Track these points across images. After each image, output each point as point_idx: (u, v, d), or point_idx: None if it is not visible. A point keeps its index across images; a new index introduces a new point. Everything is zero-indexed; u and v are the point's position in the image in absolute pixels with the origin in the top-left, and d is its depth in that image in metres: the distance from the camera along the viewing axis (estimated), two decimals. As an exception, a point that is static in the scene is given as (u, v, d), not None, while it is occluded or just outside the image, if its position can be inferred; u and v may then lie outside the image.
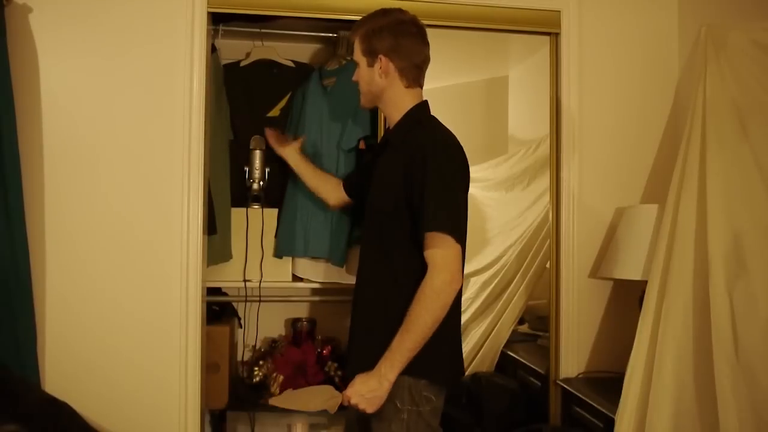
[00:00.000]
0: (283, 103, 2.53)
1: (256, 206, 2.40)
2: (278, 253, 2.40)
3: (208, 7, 2.07)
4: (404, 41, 1.66)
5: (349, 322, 1.74)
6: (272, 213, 2.42)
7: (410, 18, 1.69)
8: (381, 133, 2.19)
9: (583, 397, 2.00)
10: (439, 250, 1.50)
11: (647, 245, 1.99)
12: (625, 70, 2.30)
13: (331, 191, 2.11)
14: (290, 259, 2.42)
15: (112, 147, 2.02)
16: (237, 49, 2.56)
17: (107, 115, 2.02)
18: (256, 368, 2.39)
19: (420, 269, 1.52)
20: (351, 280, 2.36)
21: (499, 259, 2.44)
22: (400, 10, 1.71)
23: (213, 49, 2.27)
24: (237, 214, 2.39)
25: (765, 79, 1.82)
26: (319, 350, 2.45)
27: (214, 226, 2.22)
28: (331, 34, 2.47)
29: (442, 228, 1.50)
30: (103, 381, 2.00)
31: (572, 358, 2.21)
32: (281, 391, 2.31)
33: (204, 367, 2.08)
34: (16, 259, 1.88)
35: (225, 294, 2.52)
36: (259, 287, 2.36)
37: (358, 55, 1.70)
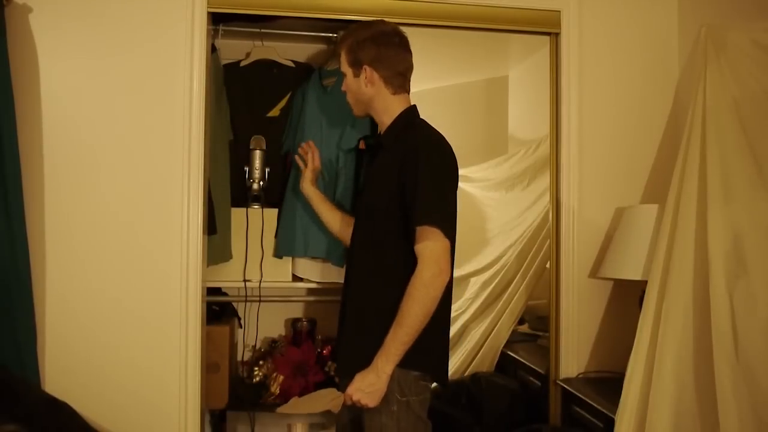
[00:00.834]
0: (283, 103, 2.53)
1: (256, 206, 2.40)
2: (278, 253, 2.40)
3: (208, 7, 2.07)
4: (387, 51, 1.73)
5: (340, 317, 1.78)
6: (272, 213, 2.43)
7: (392, 28, 1.77)
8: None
9: (583, 397, 1.99)
10: (428, 243, 1.56)
11: (647, 245, 1.99)
12: (625, 70, 2.30)
13: (341, 224, 2.07)
14: (290, 259, 2.42)
15: (112, 147, 2.02)
16: (237, 49, 2.56)
17: (107, 115, 2.02)
18: (256, 368, 2.39)
19: (412, 266, 1.57)
20: (351, 280, 2.36)
21: (499, 259, 2.44)
22: (382, 22, 1.80)
23: (213, 49, 2.27)
24: (237, 214, 2.39)
25: (765, 79, 1.82)
26: (319, 350, 2.45)
27: (214, 226, 2.22)
28: (331, 34, 2.47)
29: (430, 222, 1.56)
30: (103, 381, 2.00)
31: (572, 358, 2.21)
32: (281, 391, 2.32)
33: (204, 367, 2.08)
34: (16, 258, 1.88)
35: (225, 294, 2.52)
36: (259, 287, 2.36)
37: (345, 67, 1.77)
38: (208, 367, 2.17)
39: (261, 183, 2.41)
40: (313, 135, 2.36)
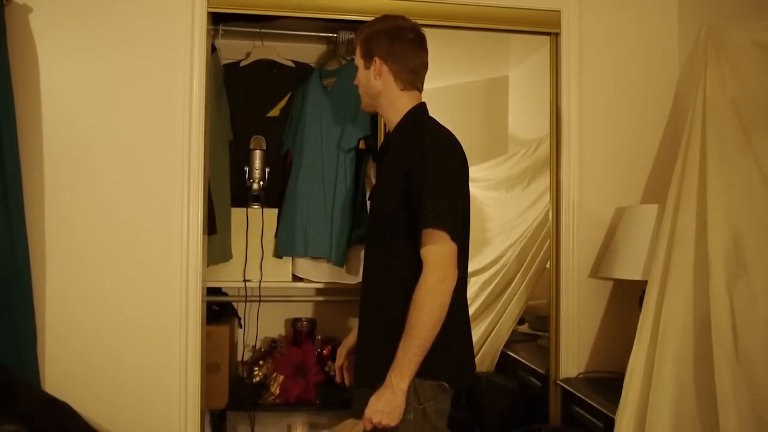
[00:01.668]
0: (283, 103, 2.53)
1: (256, 206, 2.40)
2: (278, 253, 2.40)
3: (208, 7, 2.07)
4: (399, 45, 1.68)
5: (358, 324, 1.72)
6: (272, 213, 2.43)
7: (410, 24, 1.72)
8: (381, 133, 2.19)
9: (583, 397, 1.99)
10: (433, 246, 1.51)
11: (647, 245, 1.99)
12: (625, 70, 2.30)
13: None
14: (290, 259, 2.42)
15: (112, 147, 2.02)
16: (237, 49, 2.56)
17: (107, 115, 2.02)
18: (256, 368, 2.39)
19: (422, 270, 1.52)
20: (351, 280, 2.37)
21: (499, 259, 2.44)
22: (402, 17, 1.74)
23: (213, 49, 2.27)
24: (237, 214, 2.39)
25: (765, 79, 1.82)
26: (319, 350, 2.45)
27: (214, 226, 2.22)
28: (331, 34, 2.47)
29: (437, 225, 1.50)
30: (103, 381, 2.00)
31: (572, 358, 2.21)
32: (281, 391, 2.31)
33: (204, 367, 2.08)
34: (16, 258, 1.88)
35: (225, 294, 2.52)
36: (259, 287, 2.36)
37: (358, 58, 1.74)
38: (208, 367, 2.17)
39: (261, 183, 2.41)
40: (313, 135, 2.37)
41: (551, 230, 2.26)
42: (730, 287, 1.65)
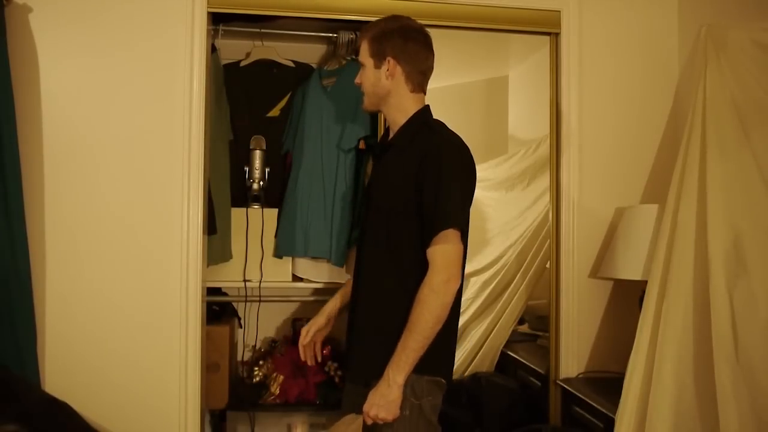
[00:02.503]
0: (283, 103, 2.53)
1: (256, 206, 2.40)
2: (278, 253, 2.40)
3: (208, 7, 2.07)
4: (412, 46, 1.69)
5: (351, 321, 1.74)
6: (272, 213, 2.43)
7: (419, 26, 1.73)
8: (381, 133, 2.19)
9: (583, 397, 1.99)
10: (441, 246, 1.53)
11: (647, 245, 1.99)
12: (625, 70, 2.30)
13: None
14: (290, 259, 2.42)
15: (112, 147, 2.02)
16: (237, 49, 2.56)
17: (107, 115, 2.02)
18: (256, 368, 2.39)
19: (426, 268, 1.54)
20: (351, 280, 2.36)
21: (499, 259, 2.44)
22: (409, 18, 1.75)
23: (213, 49, 2.27)
24: (237, 214, 2.39)
25: (765, 79, 1.82)
26: (319, 350, 2.45)
27: (214, 226, 2.22)
28: (331, 34, 2.47)
29: (449, 225, 1.53)
30: (103, 381, 2.00)
31: (572, 358, 2.21)
32: (281, 391, 2.31)
33: (204, 367, 2.08)
34: (16, 258, 1.88)
35: (225, 294, 2.52)
36: (259, 287, 2.36)
37: (365, 57, 1.71)
38: (208, 367, 2.17)
39: (261, 183, 2.41)
40: (313, 135, 2.36)
41: (551, 230, 2.26)
42: (730, 287, 1.65)
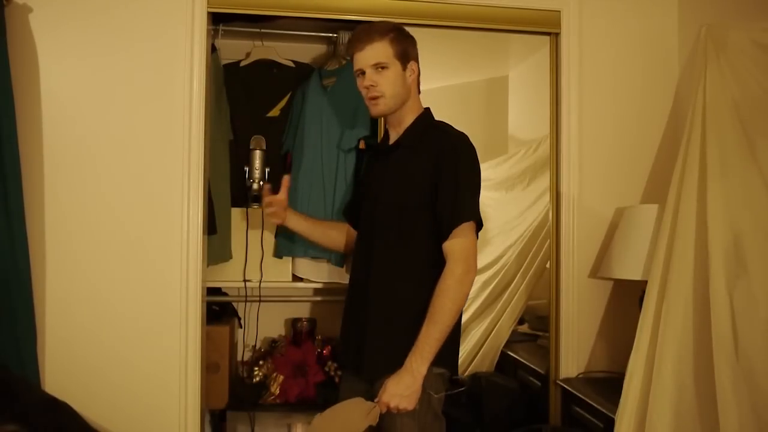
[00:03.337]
0: (283, 103, 2.53)
1: (256, 206, 2.40)
2: (278, 253, 2.40)
3: (208, 7, 2.07)
4: (417, 48, 1.78)
5: (358, 318, 1.73)
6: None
7: None
8: (381, 133, 2.19)
9: (583, 397, 1.99)
10: (460, 240, 1.59)
11: (647, 245, 1.99)
12: (625, 70, 2.30)
13: (337, 237, 2.02)
14: (290, 259, 2.42)
15: (112, 147, 2.02)
16: (237, 49, 2.56)
17: (107, 114, 2.02)
18: (256, 368, 2.39)
19: (442, 264, 1.59)
20: (351, 280, 2.36)
21: (499, 259, 2.44)
22: None
23: (213, 49, 2.27)
24: (237, 214, 2.39)
25: (765, 79, 1.82)
26: (319, 350, 2.45)
27: (214, 226, 2.22)
28: (331, 34, 2.47)
29: (467, 218, 1.60)
30: (103, 381, 2.00)
31: (572, 358, 2.21)
32: (281, 391, 2.31)
33: (204, 367, 2.08)
34: (16, 258, 1.88)
35: (225, 294, 2.52)
36: (259, 287, 2.36)
37: (389, 58, 1.68)
38: (208, 367, 2.17)
39: (261, 183, 2.41)
40: (313, 135, 2.36)
41: (551, 230, 2.26)
42: (730, 287, 1.65)
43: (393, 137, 1.79)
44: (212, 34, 2.29)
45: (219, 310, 2.47)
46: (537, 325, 2.43)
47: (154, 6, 2.04)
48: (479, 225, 1.65)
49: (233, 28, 2.43)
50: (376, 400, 1.57)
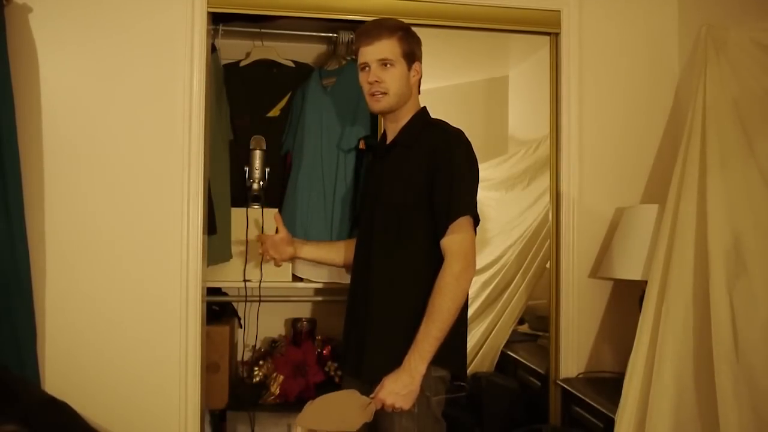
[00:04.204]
0: (283, 103, 2.53)
1: (256, 206, 2.40)
2: (278, 253, 2.40)
3: (208, 7, 2.07)
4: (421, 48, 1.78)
5: (358, 319, 1.73)
6: (272, 213, 2.42)
7: None
8: (381, 133, 2.19)
9: (583, 397, 1.99)
10: (458, 236, 1.57)
11: (647, 245, 1.99)
12: (625, 70, 2.30)
13: (346, 251, 2.02)
14: (290, 259, 2.42)
15: (111, 147, 2.02)
16: (237, 49, 2.56)
17: (107, 114, 2.02)
18: (256, 368, 2.39)
19: (440, 263, 1.57)
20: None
21: (499, 259, 2.44)
22: None
23: (213, 49, 2.27)
24: (237, 214, 2.39)
25: (765, 79, 1.82)
26: (319, 350, 2.45)
27: (214, 226, 2.22)
28: (331, 34, 2.47)
29: (463, 213, 1.58)
30: (103, 381, 2.00)
31: (572, 358, 2.21)
32: (281, 391, 2.31)
33: (204, 367, 2.08)
34: (16, 258, 1.88)
35: (225, 294, 2.52)
36: (259, 287, 2.35)
37: (396, 56, 1.69)
38: (208, 367, 2.17)
39: (261, 183, 2.41)
40: (313, 135, 2.36)
41: (551, 230, 2.26)
42: (730, 287, 1.65)
43: (390, 136, 1.80)
44: (212, 34, 2.29)
45: (219, 310, 2.47)
46: (537, 325, 2.43)
47: (154, 6, 2.04)
48: (476, 220, 1.63)
49: (233, 28, 2.43)
50: (371, 396, 1.55)
